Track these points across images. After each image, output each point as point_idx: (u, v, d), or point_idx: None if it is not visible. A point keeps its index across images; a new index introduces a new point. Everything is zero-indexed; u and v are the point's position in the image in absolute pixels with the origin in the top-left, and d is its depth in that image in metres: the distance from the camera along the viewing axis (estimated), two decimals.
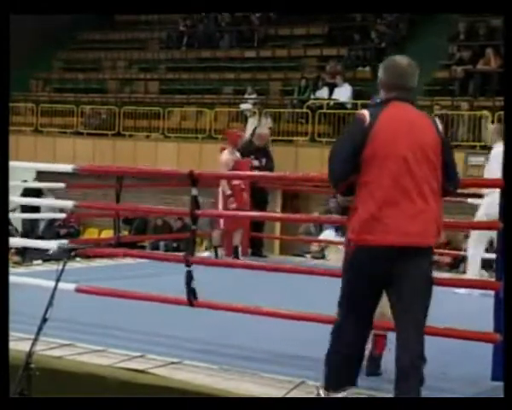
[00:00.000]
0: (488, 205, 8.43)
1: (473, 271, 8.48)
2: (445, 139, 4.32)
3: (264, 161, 11.08)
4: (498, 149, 8.58)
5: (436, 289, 4.24)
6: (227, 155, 10.25)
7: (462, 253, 11.93)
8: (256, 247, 11.10)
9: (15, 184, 11.24)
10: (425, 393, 4.40)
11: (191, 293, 5.65)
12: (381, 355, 5.02)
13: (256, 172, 10.06)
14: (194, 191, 5.80)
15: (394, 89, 4.27)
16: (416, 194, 4.10)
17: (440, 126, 4.30)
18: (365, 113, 4.22)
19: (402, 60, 4.35)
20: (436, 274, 4.41)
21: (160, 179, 13.12)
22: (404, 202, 4.09)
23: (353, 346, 4.27)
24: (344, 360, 4.28)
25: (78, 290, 6.13)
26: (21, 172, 16.11)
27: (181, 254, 6.71)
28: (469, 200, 9.90)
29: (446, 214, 8.45)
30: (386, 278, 4.16)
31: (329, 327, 4.38)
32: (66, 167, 7.04)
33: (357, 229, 4.16)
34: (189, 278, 5.65)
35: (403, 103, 4.25)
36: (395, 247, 4.08)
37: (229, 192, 9.86)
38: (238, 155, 10.43)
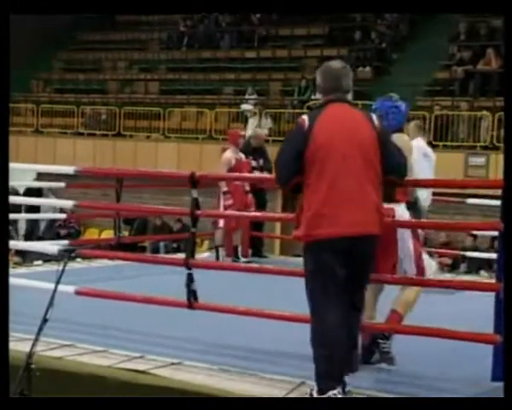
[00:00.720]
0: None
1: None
2: (382, 132, 4.50)
3: (261, 161, 11.10)
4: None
5: (436, 290, 4.24)
6: (230, 154, 10.32)
7: (461, 253, 11.95)
8: (256, 247, 11.10)
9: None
10: (425, 393, 4.42)
11: (192, 295, 5.65)
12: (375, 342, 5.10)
13: (257, 174, 10.09)
14: (195, 193, 5.80)
15: (330, 91, 4.51)
16: (356, 189, 4.30)
17: (376, 121, 4.48)
18: (305, 118, 4.45)
19: (336, 64, 4.63)
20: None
21: (160, 181, 13.10)
22: (346, 198, 4.29)
23: (333, 344, 4.29)
24: (328, 360, 4.29)
25: (77, 293, 6.13)
26: (22, 173, 16.08)
27: (181, 255, 6.70)
28: (469, 200, 9.88)
29: (446, 215, 8.50)
30: (340, 267, 4.30)
31: None
32: (68, 169, 7.03)
33: (304, 226, 4.35)
34: (190, 280, 5.66)
35: (339, 104, 4.48)
36: (342, 237, 4.28)
37: (225, 189, 9.88)
38: (241, 155, 10.47)
